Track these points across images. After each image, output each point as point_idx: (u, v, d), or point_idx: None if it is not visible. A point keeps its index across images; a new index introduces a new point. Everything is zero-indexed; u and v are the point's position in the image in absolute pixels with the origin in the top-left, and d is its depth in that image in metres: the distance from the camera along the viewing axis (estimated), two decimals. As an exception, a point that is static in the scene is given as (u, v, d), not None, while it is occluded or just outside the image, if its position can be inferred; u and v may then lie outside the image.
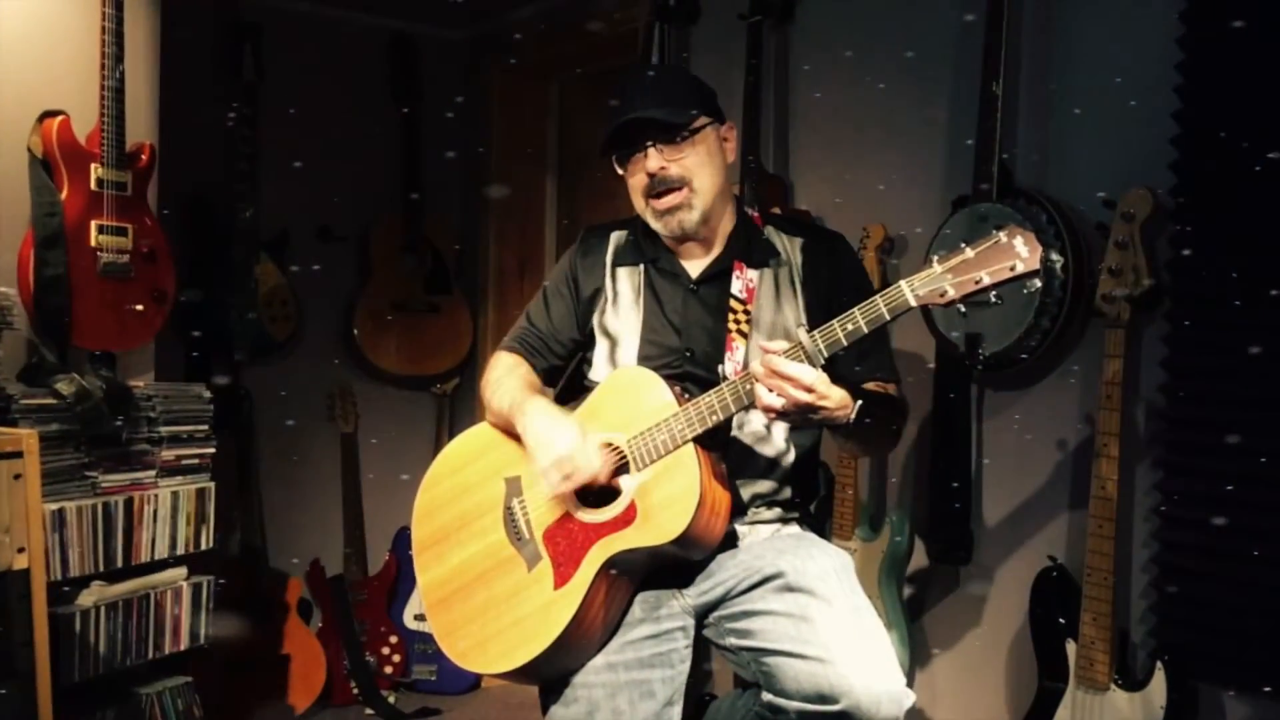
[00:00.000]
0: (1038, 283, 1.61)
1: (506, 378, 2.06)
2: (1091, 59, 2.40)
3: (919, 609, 2.79)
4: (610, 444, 1.88)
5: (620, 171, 2.01)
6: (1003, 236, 1.60)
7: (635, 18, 3.50)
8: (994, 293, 1.62)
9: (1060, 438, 2.46)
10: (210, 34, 3.72)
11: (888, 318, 1.66)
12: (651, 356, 1.99)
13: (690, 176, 1.95)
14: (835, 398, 1.72)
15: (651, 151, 1.93)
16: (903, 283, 1.65)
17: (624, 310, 2.06)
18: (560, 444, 1.82)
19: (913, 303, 1.65)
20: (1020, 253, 1.59)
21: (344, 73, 4.04)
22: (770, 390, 1.71)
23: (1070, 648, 2.26)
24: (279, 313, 3.83)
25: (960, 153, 2.57)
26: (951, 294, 1.63)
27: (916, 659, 2.75)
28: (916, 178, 2.74)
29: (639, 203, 2.01)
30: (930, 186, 2.70)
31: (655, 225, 2.00)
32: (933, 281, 1.64)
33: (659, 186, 1.95)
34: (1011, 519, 2.57)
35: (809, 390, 1.68)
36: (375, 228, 4.13)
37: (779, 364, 1.69)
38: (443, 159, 4.27)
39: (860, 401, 1.75)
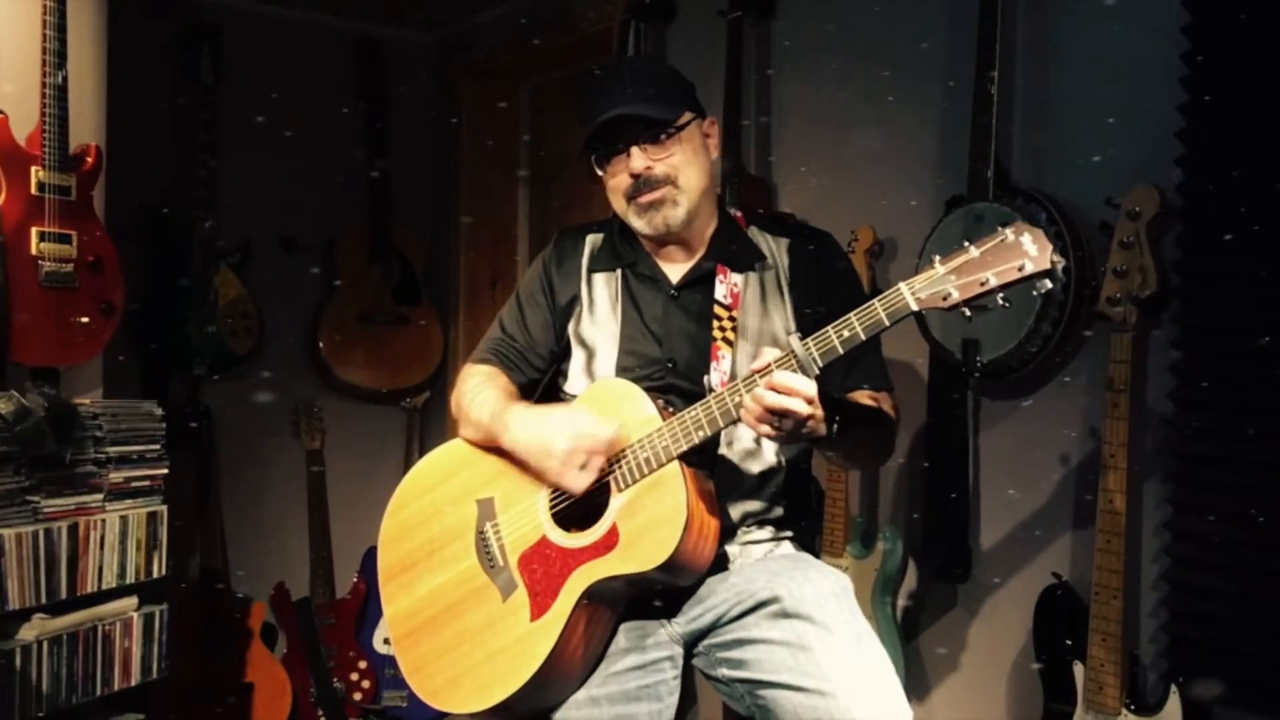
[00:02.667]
0: (1048, 283, 1.50)
1: (483, 388, 1.94)
2: (1091, 50, 2.34)
3: (914, 630, 2.71)
4: None
5: (599, 173, 1.91)
6: (1009, 234, 1.50)
7: (609, 17, 3.45)
8: (1001, 295, 1.52)
9: (1063, 449, 2.39)
10: (166, 35, 3.64)
11: (887, 324, 1.56)
12: (630, 367, 1.89)
13: (676, 174, 1.85)
14: (820, 412, 1.63)
15: (635, 151, 1.83)
16: (902, 285, 1.55)
17: (601, 318, 1.96)
18: (562, 438, 1.72)
19: (914, 307, 1.54)
20: (1029, 251, 1.48)
21: (307, 76, 3.96)
22: (772, 406, 1.58)
23: (1078, 670, 2.18)
24: (240, 325, 3.75)
25: (953, 150, 2.50)
26: (956, 297, 1.52)
27: (912, 683, 2.68)
28: (907, 178, 2.68)
29: (619, 204, 1.91)
30: (921, 186, 2.63)
31: (637, 224, 1.90)
32: (935, 284, 1.53)
33: (642, 187, 1.85)
34: (1012, 534, 2.50)
35: (810, 403, 1.58)
36: (341, 237, 4.06)
37: (784, 379, 1.56)
38: (411, 166, 4.21)
39: (838, 416, 1.65)
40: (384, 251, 4.07)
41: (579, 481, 1.72)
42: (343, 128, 4.07)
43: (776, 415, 1.57)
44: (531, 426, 1.79)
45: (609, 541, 1.71)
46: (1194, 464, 2.14)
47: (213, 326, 3.61)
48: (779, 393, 1.56)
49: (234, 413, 3.84)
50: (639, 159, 1.83)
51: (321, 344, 4.00)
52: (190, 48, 3.64)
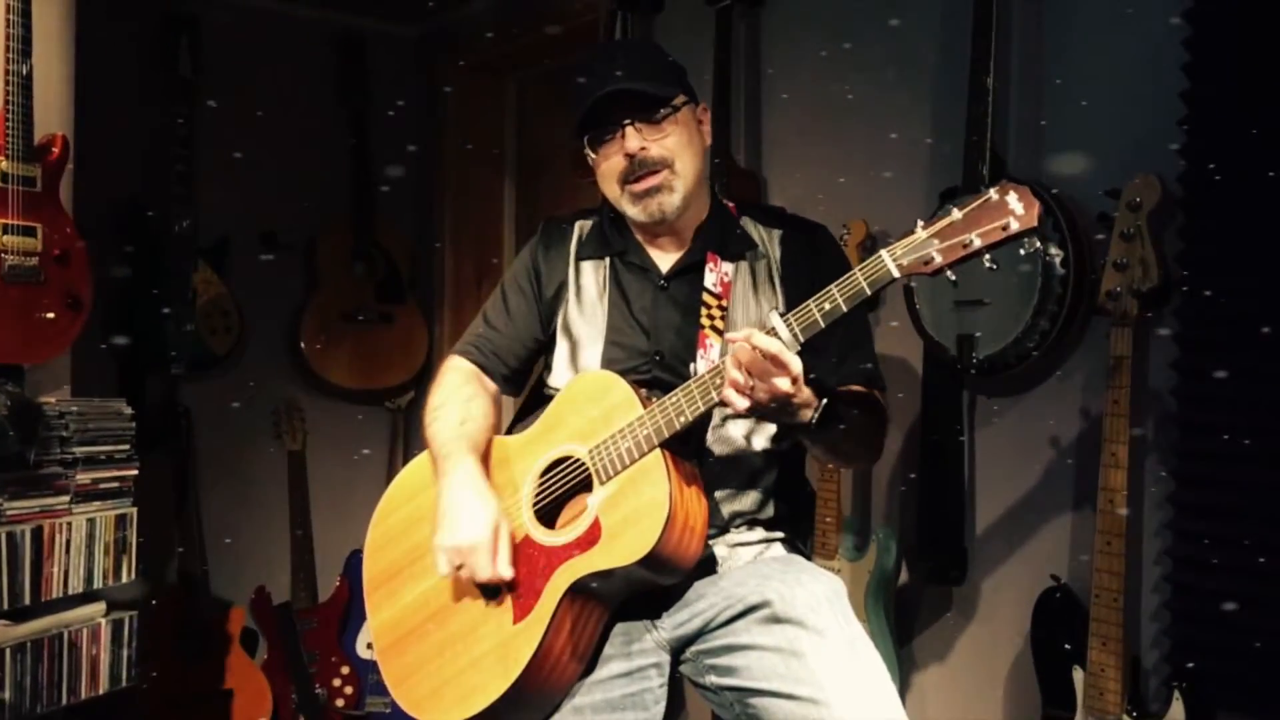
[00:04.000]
0: (1036, 242, 1.48)
1: (446, 408, 1.86)
2: (1090, 36, 2.30)
3: (909, 633, 2.67)
4: (570, 457, 1.73)
5: (592, 155, 1.84)
6: (993, 194, 1.45)
7: (596, 7, 3.44)
8: (987, 256, 1.46)
9: (1061, 447, 2.35)
10: (143, 26, 3.59)
11: (868, 292, 1.50)
12: (617, 360, 1.84)
13: (672, 158, 1.79)
14: (804, 394, 1.58)
15: (630, 131, 1.77)
16: (883, 252, 1.50)
17: (588, 308, 1.90)
18: (463, 532, 1.67)
19: (895, 273, 1.49)
20: (1014, 209, 1.43)
21: (288, 69, 3.92)
22: (748, 375, 1.53)
23: (1077, 675, 2.14)
24: (219, 324, 3.71)
25: (947, 141, 2.46)
26: (938, 260, 1.47)
27: (907, 687, 2.65)
28: (900, 170, 2.64)
29: (613, 190, 1.84)
30: (915, 179, 2.60)
31: (632, 211, 1.83)
32: (917, 248, 1.48)
33: (639, 169, 1.79)
34: (1009, 535, 2.46)
35: (794, 380, 1.52)
36: (323, 233, 4.02)
37: (763, 341, 1.50)
38: (394, 160, 4.16)
39: (825, 400, 1.60)
40: (367, 248, 4.03)
41: (439, 569, 1.70)
42: (325, 122, 4.02)
43: (752, 378, 1.52)
44: (457, 501, 1.72)
45: (591, 536, 1.66)
46: (1197, 462, 2.09)
47: (191, 325, 3.57)
48: (762, 356, 1.50)
49: (213, 413, 3.79)
50: (634, 139, 1.77)
51: (303, 343, 3.95)
52: (167, 39, 3.59)
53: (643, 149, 1.77)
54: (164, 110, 3.55)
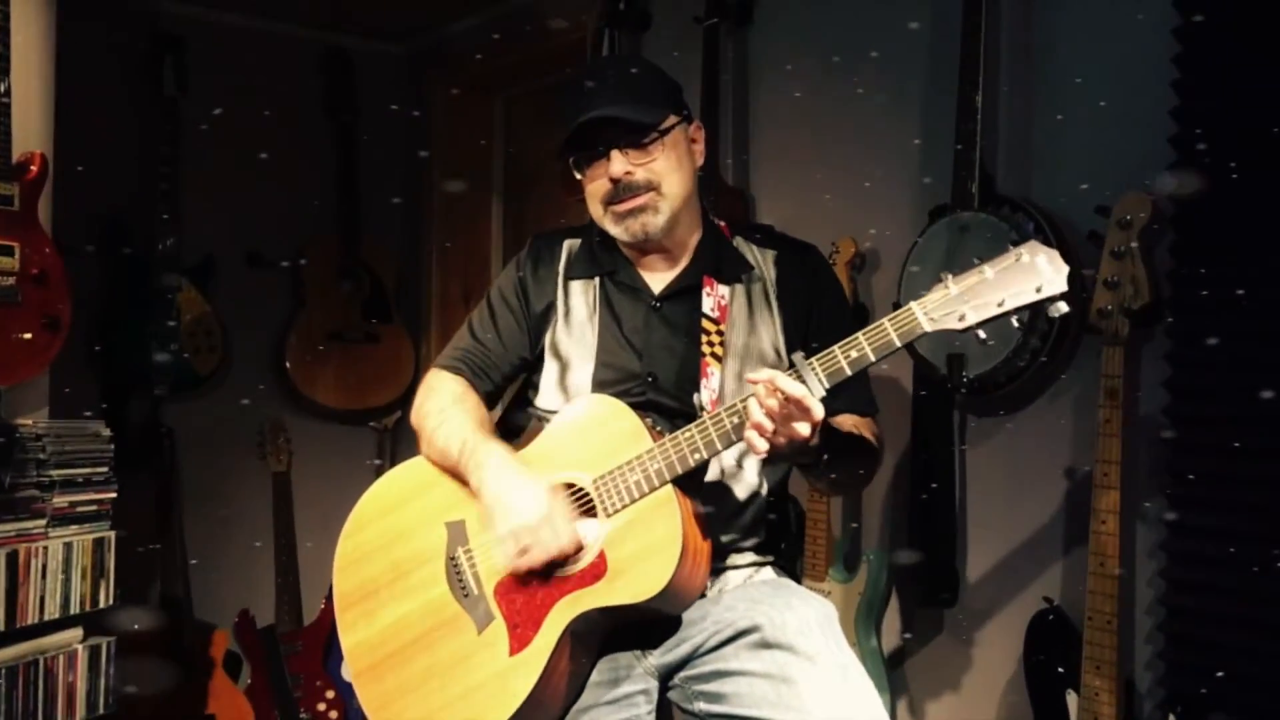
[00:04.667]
0: (1063, 306, 1.46)
1: (453, 410, 1.82)
2: (1079, 53, 2.29)
3: (900, 657, 2.65)
4: (572, 485, 1.69)
5: (578, 176, 1.83)
6: (1024, 254, 1.46)
7: (583, 26, 3.41)
8: (1015, 317, 1.48)
9: (1053, 467, 2.34)
10: (128, 45, 3.59)
11: (898, 344, 1.50)
12: (608, 382, 1.80)
13: (659, 181, 1.77)
14: (818, 438, 1.57)
15: (615, 155, 1.75)
16: (914, 305, 1.49)
17: (577, 329, 1.86)
18: (526, 513, 1.62)
19: (927, 328, 1.48)
20: (1044, 273, 1.45)
21: (274, 88, 3.90)
22: (773, 421, 1.50)
23: (1071, 699, 2.12)
24: (203, 344, 3.68)
25: (936, 159, 2.45)
26: (971, 318, 1.47)
27: (898, 712, 2.62)
28: (888, 188, 2.63)
29: (597, 210, 1.82)
30: (903, 197, 2.58)
31: (615, 230, 1.81)
32: (949, 304, 1.48)
33: (623, 193, 1.77)
34: (1001, 557, 2.44)
35: (814, 426, 1.50)
36: (309, 252, 3.99)
37: (790, 386, 1.48)
38: (381, 179, 4.15)
39: (831, 444, 1.61)
40: (353, 267, 4.01)
41: (508, 561, 1.64)
42: (311, 140, 4.01)
43: (776, 424, 1.51)
44: (503, 481, 1.68)
45: (596, 570, 1.62)
46: (1190, 483, 2.07)
47: (175, 344, 3.55)
48: (787, 400, 1.48)
49: (197, 434, 3.75)
50: (619, 163, 1.75)
51: (288, 362, 3.93)
52: (153, 58, 3.59)
53: (628, 173, 1.75)
54: (148, 129, 3.54)
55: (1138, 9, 2.17)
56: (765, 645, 1.63)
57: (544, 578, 1.65)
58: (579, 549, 1.64)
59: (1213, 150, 2.01)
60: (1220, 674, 2.01)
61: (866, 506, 2.70)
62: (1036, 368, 2.24)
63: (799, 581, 1.89)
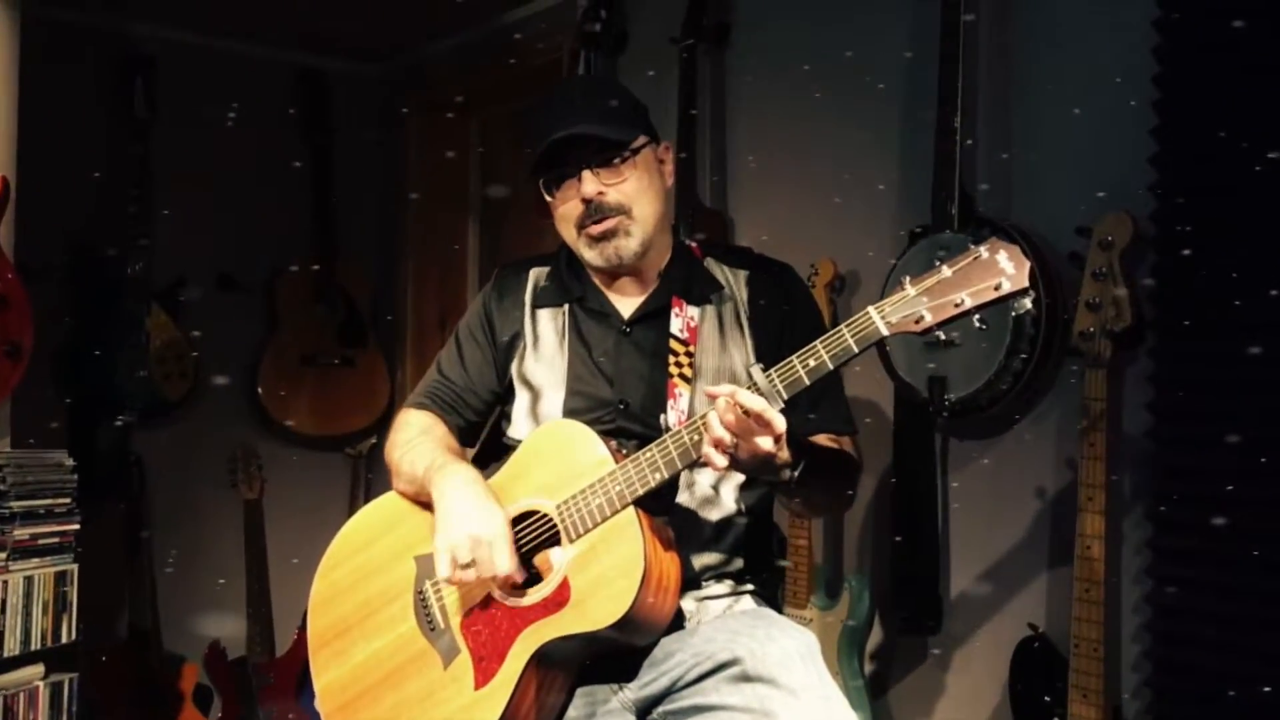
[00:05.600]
0: (1027, 303, 1.46)
1: (419, 439, 1.82)
2: (1058, 73, 2.29)
3: (883, 685, 2.62)
4: (536, 511, 1.67)
5: (548, 198, 1.80)
6: (984, 251, 1.44)
7: (559, 48, 3.43)
8: (977, 316, 1.45)
9: (1036, 491, 2.32)
10: (97, 66, 3.58)
11: (856, 350, 1.47)
12: (579, 410, 1.78)
13: (630, 203, 1.75)
14: (785, 454, 1.55)
15: (586, 175, 1.73)
16: (871, 309, 1.47)
17: (546, 357, 1.84)
18: (474, 526, 1.59)
19: (885, 331, 1.46)
20: (1005, 269, 1.42)
21: (247, 109, 3.86)
22: (732, 435, 1.48)
23: None
24: (174, 369, 3.65)
25: (916, 179, 2.44)
26: (929, 319, 1.44)
27: None
28: (868, 209, 2.62)
29: (569, 233, 1.80)
30: (883, 218, 2.58)
31: (588, 255, 1.79)
32: (906, 306, 1.45)
33: (595, 214, 1.74)
34: (984, 583, 2.42)
35: (776, 439, 1.48)
36: (282, 275, 3.98)
37: (748, 399, 1.46)
38: (356, 201, 4.15)
39: (804, 460, 1.57)
40: (328, 290, 3.99)
41: (444, 573, 1.60)
42: (284, 162, 3.97)
43: (735, 437, 1.48)
44: (461, 493, 1.65)
45: (559, 598, 1.60)
46: (1175, 506, 2.05)
47: (144, 370, 3.52)
48: (746, 413, 1.46)
49: (167, 461, 3.72)
50: (590, 183, 1.73)
51: (260, 388, 3.90)
52: (123, 79, 3.57)
53: (599, 194, 1.73)
54: (118, 150, 3.52)
55: (1117, 28, 2.17)
56: (746, 678, 1.58)
57: (508, 608, 1.62)
58: (519, 582, 1.61)
59: (1194, 170, 2.01)
60: (1209, 702, 1.99)
61: (848, 532, 2.68)
62: (1019, 390, 2.22)
63: (780, 611, 1.86)
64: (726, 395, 1.47)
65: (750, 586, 1.83)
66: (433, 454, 1.76)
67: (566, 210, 1.77)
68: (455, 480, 1.68)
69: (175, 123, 3.63)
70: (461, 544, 1.58)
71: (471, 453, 1.94)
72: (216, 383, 3.83)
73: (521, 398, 1.84)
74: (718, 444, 1.49)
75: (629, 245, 1.76)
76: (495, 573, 1.58)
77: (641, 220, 1.76)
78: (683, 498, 1.75)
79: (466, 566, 1.58)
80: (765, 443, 1.47)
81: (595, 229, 1.75)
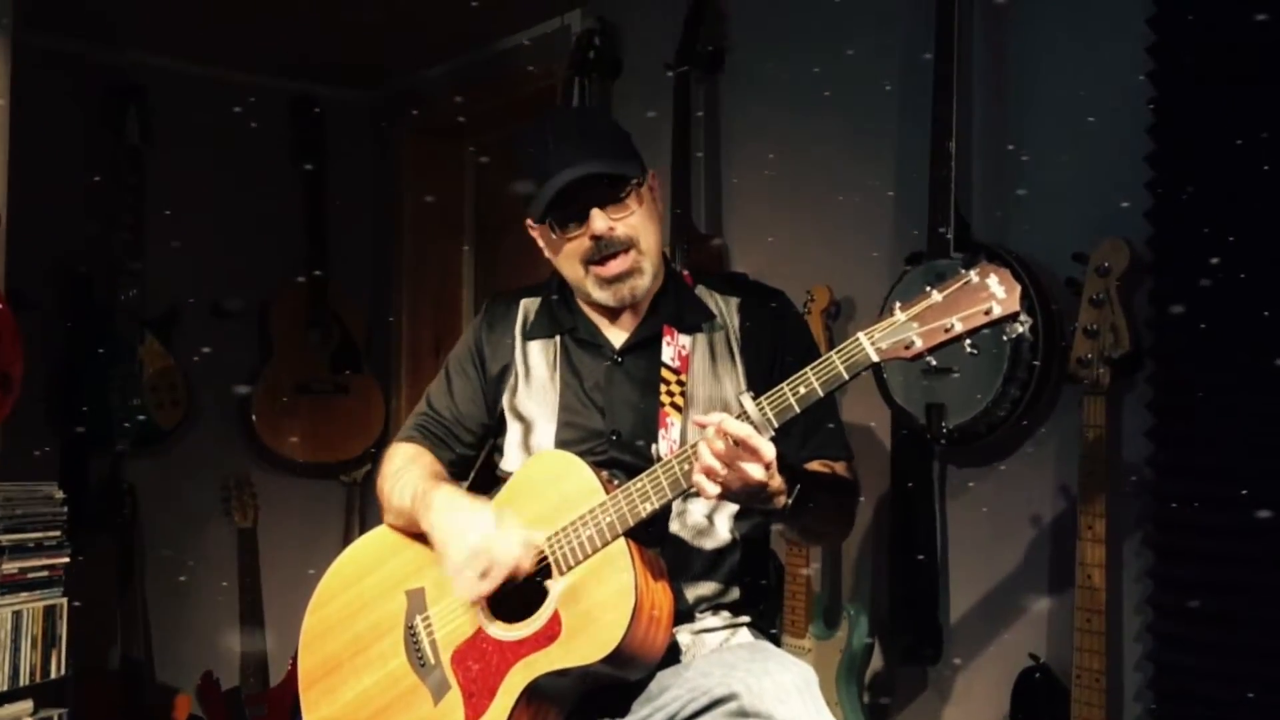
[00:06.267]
0: (1019, 327, 1.43)
1: (406, 470, 1.82)
2: (1055, 98, 2.28)
3: (882, 716, 2.58)
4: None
5: (553, 237, 1.77)
6: (974, 276, 1.42)
7: (553, 73, 3.42)
8: (968, 341, 1.43)
9: (1036, 519, 2.30)
10: (90, 94, 3.57)
11: (846, 377, 1.46)
12: (571, 441, 1.77)
13: (637, 236, 1.75)
14: (777, 481, 1.53)
15: (596, 213, 1.72)
16: (861, 335, 1.46)
17: (537, 389, 1.83)
18: (473, 535, 1.59)
19: (875, 358, 1.45)
20: (996, 293, 1.40)
21: (240, 136, 3.86)
22: (722, 464, 1.47)
23: None
24: (166, 397, 3.63)
25: (911, 205, 2.43)
26: (919, 345, 1.43)
27: None
28: (864, 235, 2.61)
29: (575, 271, 1.78)
30: (879, 244, 2.57)
31: (600, 295, 1.78)
32: (896, 332, 1.44)
33: (605, 250, 1.73)
34: (984, 611, 2.40)
35: (766, 467, 1.47)
36: (275, 302, 3.96)
37: (736, 428, 1.45)
38: (349, 228, 4.14)
39: (798, 486, 1.55)
40: (322, 317, 3.97)
41: (469, 590, 1.60)
42: (278, 188, 3.97)
43: (725, 465, 1.47)
44: (449, 513, 1.66)
45: (550, 631, 1.58)
46: (1176, 534, 2.04)
47: (137, 399, 3.50)
48: (735, 443, 1.45)
49: (160, 490, 3.69)
50: (600, 220, 1.71)
51: (255, 415, 3.87)
52: (115, 107, 3.57)
53: (610, 229, 1.72)
54: (110, 178, 3.51)
55: (1112, 52, 2.17)
56: (743, 714, 1.54)
57: (499, 642, 1.61)
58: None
59: (1191, 195, 1.99)
60: (1211, 732, 1.97)
61: (846, 560, 2.65)
62: (1017, 417, 2.21)
63: (778, 643, 1.84)
64: (715, 424, 1.46)
65: (747, 618, 1.80)
66: (417, 483, 1.75)
67: (574, 247, 1.75)
68: (440, 502, 1.68)
69: (168, 150, 3.62)
70: (476, 556, 1.57)
71: (465, 485, 1.91)
72: (210, 410, 3.81)
73: (513, 430, 1.83)
74: (708, 472, 1.48)
75: (642, 284, 1.76)
76: (511, 566, 1.57)
77: (649, 253, 1.76)
78: (675, 527, 1.73)
79: (484, 576, 1.57)
80: (755, 471, 1.46)
81: (606, 270, 1.74)
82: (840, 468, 1.80)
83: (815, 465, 1.76)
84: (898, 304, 1.45)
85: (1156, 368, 2.05)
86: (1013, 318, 1.40)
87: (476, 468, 1.93)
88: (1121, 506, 2.10)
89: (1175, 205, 2.02)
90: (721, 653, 1.72)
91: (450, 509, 1.66)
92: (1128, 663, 2.13)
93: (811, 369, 1.47)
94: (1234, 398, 1.95)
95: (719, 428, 1.45)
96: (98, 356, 3.45)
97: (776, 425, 1.47)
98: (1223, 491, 1.95)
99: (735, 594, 1.78)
